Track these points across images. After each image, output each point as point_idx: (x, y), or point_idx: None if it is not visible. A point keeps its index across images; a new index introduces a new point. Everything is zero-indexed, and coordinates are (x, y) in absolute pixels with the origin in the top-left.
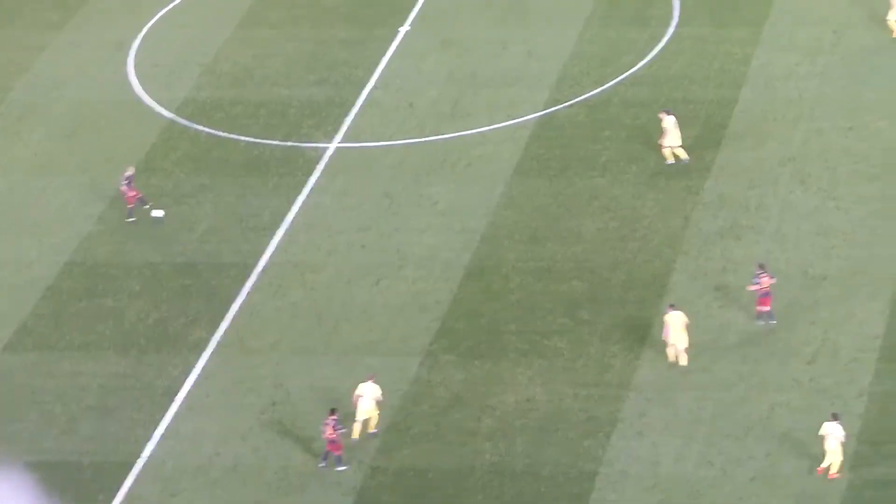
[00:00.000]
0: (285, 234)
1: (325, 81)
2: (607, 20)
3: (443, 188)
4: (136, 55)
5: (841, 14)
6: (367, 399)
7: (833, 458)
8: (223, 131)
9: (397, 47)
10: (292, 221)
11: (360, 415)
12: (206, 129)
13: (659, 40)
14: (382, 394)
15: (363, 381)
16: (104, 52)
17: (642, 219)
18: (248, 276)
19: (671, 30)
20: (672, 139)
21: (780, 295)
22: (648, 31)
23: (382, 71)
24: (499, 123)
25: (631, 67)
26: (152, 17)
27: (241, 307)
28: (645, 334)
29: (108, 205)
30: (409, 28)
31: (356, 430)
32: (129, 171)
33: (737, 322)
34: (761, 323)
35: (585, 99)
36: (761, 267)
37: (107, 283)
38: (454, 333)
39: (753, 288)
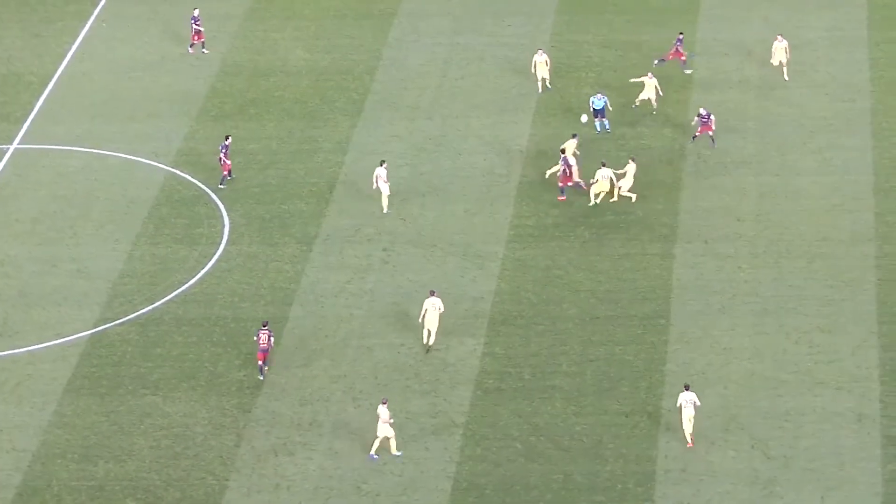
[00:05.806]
0: None
1: None
2: (157, 238)
3: None
4: None
5: (389, 233)
6: None
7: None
8: None
9: None
10: None
11: None
12: None
13: (209, 258)
14: None
15: None
16: None
17: (195, 436)
18: None
19: (221, 248)
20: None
21: None
22: (199, 249)
23: None
24: (48, 342)
25: (181, 286)
26: None
27: None
28: None
29: None
30: None
31: None
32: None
33: None
34: None
35: (136, 317)
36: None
37: None
38: None
39: None
